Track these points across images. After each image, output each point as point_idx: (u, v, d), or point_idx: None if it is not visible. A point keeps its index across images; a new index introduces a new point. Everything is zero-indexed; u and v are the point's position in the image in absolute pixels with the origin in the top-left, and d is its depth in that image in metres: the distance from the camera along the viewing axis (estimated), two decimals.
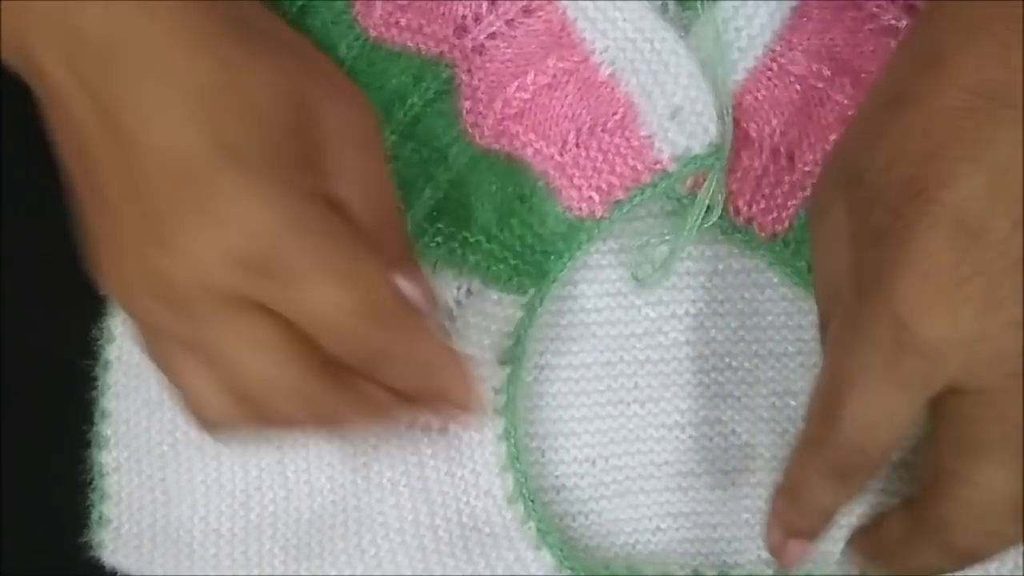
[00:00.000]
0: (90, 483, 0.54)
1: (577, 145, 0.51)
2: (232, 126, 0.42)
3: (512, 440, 0.53)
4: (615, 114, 0.51)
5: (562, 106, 0.51)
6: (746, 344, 0.55)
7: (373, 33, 0.53)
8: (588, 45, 0.51)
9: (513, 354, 0.52)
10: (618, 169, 0.51)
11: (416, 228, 0.52)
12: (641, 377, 0.55)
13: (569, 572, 0.53)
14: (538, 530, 0.53)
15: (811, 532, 0.47)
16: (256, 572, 0.53)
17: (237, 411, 0.44)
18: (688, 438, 0.55)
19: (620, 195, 0.51)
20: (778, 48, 0.52)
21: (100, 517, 0.54)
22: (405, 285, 0.45)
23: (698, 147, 0.50)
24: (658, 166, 0.50)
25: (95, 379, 0.55)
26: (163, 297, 0.42)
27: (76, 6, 0.42)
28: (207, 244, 0.41)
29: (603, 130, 0.51)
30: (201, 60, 0.42)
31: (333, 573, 0.53)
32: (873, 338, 0.42)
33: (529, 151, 0.51)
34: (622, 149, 0.51)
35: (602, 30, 0.51)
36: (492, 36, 0.52)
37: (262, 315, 0.43)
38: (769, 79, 0.52)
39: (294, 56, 0.45)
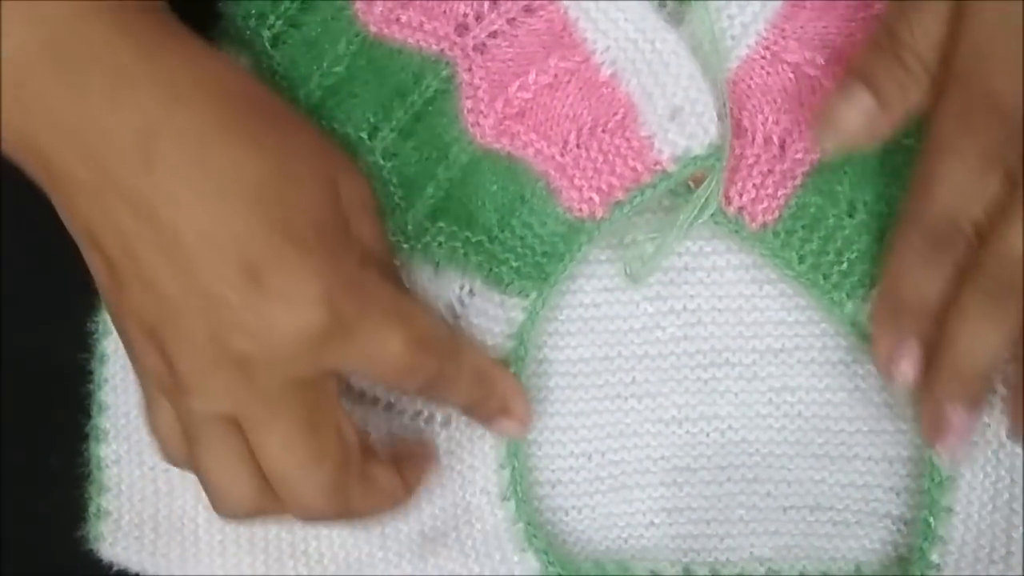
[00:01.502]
0: (88, 477, 0.55)
1: (578, 146, 0.51)
2: (283, 210, 0.44)
3: (511, 440, 0.53)
4: (616, 114, 0.51)
5: (563, 106, 0.51)
6: (744, 340, 0.55)
7: (373, 30, 0.53)
8: (589, 45, 0.51)
9: (516, 356, 0.52)
10: (618, 170, 0.51)
11: (418, 227, 0.52)
12: (639, 372, 0.55)
13: (554, 574, 0.53)
14: (526, 532, 0.53)
15: (917, 330, 0.49)
16: (262, 556, 0.54)
17: (259, 499, 0.47)
18: (685, 433, 0.55)
19: (620, 196, 0.51)
20: (771, 36, 0.51)
21: (99, 510, 0.54)
22: None
23: (698, 148, 0.50)
24: (658, 167, 0.50)
25: (91, 373, 0.55)
26: (240, 379, 0.44)
27: (102, 105, 0.43)
28: (281, 323, 0.43)
29: (603, 130, 0.51)
30: (242, 149, 0.44)
31: (341, 554, 0.54)
32: (969, 110, 0.46)
33: (530, 151, 0.51)
34: (622, 150, 0.51)
35: (604, 30, 0.51)
36: (493, 35, 0.52)
37: (324, 399, 0.46)
38: (762, 67, 0.51)
39: (312, 136, 0.49)
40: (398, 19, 0.53)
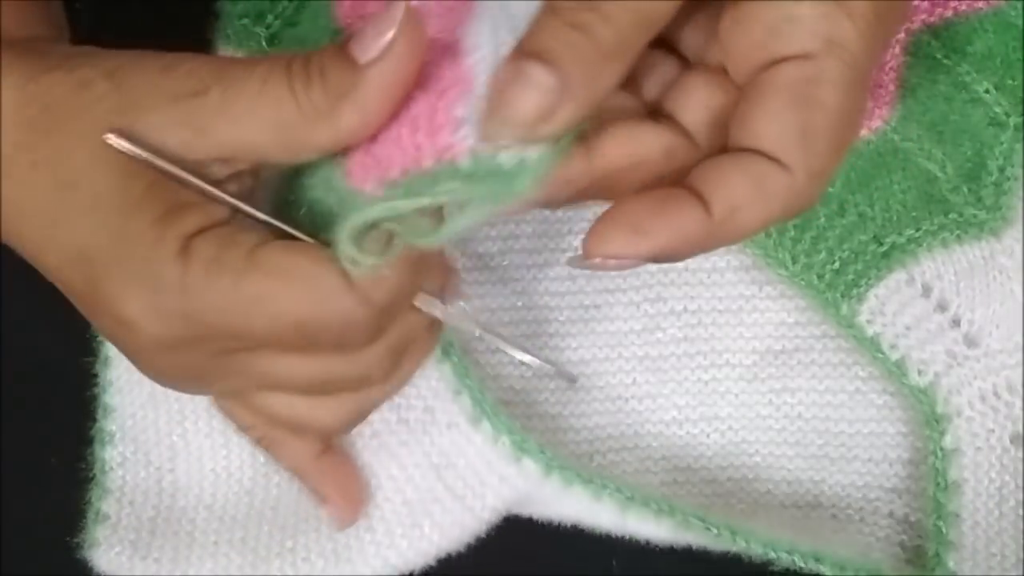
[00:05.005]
0: (90, 480, 0.55)
1: None
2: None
3: (455, 359, 0.51)
4: None
5: None
6: (744, 341, 0.54)
7: (343, 24, 0.53)
8: None
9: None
10: None
11: None
12: (639, 373, 0.55)
13: (558, 470, 0.50)
14: (512, 442, 0.50)
15: None
16: (251, 556, 0.53)
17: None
18: (685, 434, 0.55)
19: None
20: None
21: (97, 514, 0.54)
22: None
23: None
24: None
25: (94, 376, 0.55)
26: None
27: None
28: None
29: None
30: None
31: (329, 545, 0.53)
32: None
33: None
34: None
35: None
36: None
37: None
38: None
39: None
40: (361, 16, 0.52)
